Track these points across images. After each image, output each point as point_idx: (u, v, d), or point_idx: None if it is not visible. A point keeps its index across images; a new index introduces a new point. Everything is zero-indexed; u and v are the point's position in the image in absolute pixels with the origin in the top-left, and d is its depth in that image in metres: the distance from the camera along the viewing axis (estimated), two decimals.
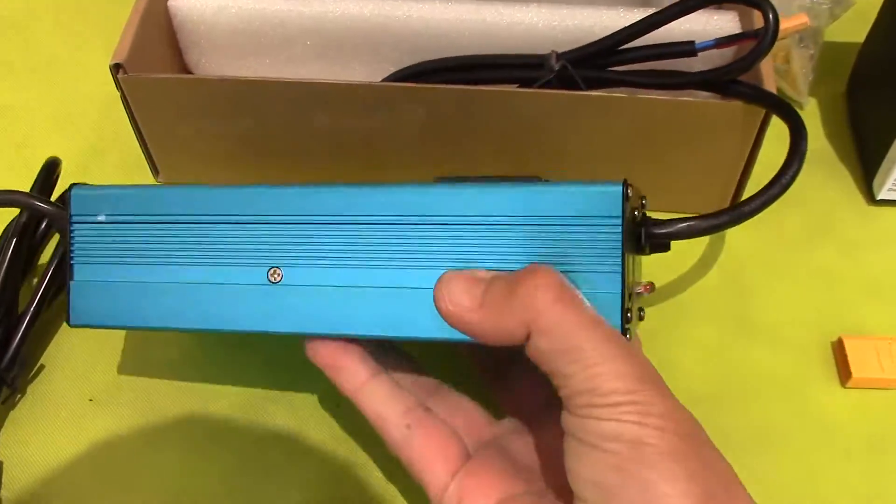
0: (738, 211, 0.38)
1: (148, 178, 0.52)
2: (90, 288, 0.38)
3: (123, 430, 0.43)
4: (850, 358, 0.44)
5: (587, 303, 0.30)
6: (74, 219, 0.38)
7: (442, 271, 0.33)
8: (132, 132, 0.49)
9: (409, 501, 0.40)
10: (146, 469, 0.42)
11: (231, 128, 0.48)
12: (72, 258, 0.38)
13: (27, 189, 0.46)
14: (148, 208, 0.37)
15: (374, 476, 0.41)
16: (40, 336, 0.46)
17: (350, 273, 0.34)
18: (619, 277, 0.32)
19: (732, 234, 0.50)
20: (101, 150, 0.55)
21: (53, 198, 0.48)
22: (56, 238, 0.48)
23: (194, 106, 0.47)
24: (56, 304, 0.46)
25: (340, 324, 0.35)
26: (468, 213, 0.33)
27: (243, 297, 0.36)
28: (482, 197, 0.33)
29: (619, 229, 0.32)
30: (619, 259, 0.32)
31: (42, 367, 0.45)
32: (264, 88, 0.45)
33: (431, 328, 0.33)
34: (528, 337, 0.30)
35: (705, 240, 0.50)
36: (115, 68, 0.45)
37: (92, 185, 0.39)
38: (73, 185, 0.38)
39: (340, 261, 0.35)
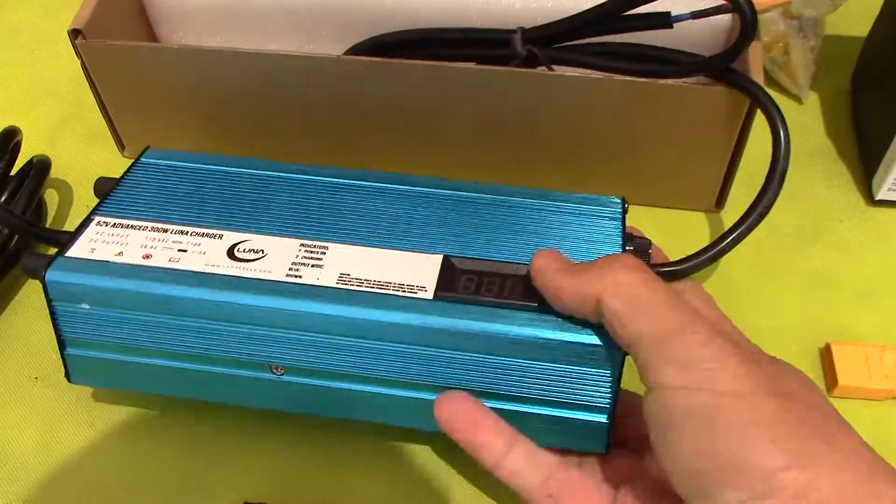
0: (709, 255, 0.39)
1: (113, 150, 0.50)
2: (86, 360, 0.37)
3: (68, 410, 0.41)
4: (836, 365, 0.41)
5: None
6: (55, 304, 0.36)
7: (438, 385, 0.35)
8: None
9: (359, 480, 0.39)
10: (90, 449, 0.40)
11: (196, 101, 0.46)
12: (59, 332, 0.37)
13: None
14: (134, 304, 0.35)
15: (325, 458, 0.39)
16: None
17: (351, 378, 0.35)
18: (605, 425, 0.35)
19: (717, 232, 0.47)
20: (68, 122, 0.53)
21: (14, 170, 0.47)
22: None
23: (156, 76, 0.45)
24: (4, 282, 0.45)
25: (349, 412, 0.36)
26: (465, 350, 0.34)
27: (247, 384, 0.36)
28: (479, 333, 0.34)
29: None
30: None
31: None
32: (225, 59, 0.43)
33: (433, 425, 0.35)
34: (598, 305, 0.31)
35: (693, 239, 0.47)
36: (74, 34, 0.43)
37: (68, 262, 0.35)
38: (46, 269, 0.35)
39: (340, 369, 0.35)
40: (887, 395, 0.41)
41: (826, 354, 0.42)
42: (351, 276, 0.35)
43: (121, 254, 0.36)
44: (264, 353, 0.35)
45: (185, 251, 0.36)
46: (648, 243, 0.38)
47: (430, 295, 0.34)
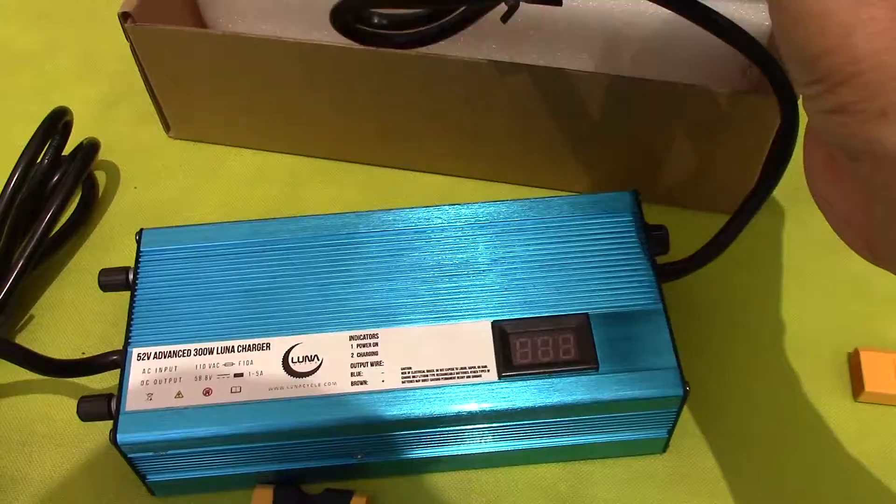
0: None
1: (160, 131, 0.52)
2: (169, 483, 0.38)
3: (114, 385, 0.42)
4: (864, 371, 0.41)
5: None
6: (132, 456, 0.36)
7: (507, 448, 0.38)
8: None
9: None
10: None
11: (239, 86, 0.47)
12: (139, 471, 0.37)
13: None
14: (211, 443, 0.35)
15: None
16: (33, 287, 0.46)
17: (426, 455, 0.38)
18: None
19: (752, 233, 0.47)
20: (118, 101, 0.54)
21: (67, 150, 0.48)
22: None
23: (201, 61, 0.46)
24: (53, 259, 0.47)
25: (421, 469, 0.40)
26: (535, 419, 0.36)
27: (326, 469, 0.38)
28: (548, 407, 0.35)
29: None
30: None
31: (31, 317, 0.45)
32: (267, 47, 0.44)
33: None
34: None
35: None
36: (123, 17, 0.45)
37: (134, 420, 0.35)
38: (114, 431, 0.35)
39: (416, 453, 0.38)
40: None
41: (854, 360, 0.42)
42: (413, 370, 0.36)
43: (180, 394, 0.35)
44: (343, 452, 0.37)
45: (242, 375, 0.36)
46: (666, 232, 0.39)
47: (494, 376, 0.36)
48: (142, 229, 0.40)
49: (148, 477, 0.38)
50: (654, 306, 0.37)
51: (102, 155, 0.51)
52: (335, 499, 0.38)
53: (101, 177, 0.51)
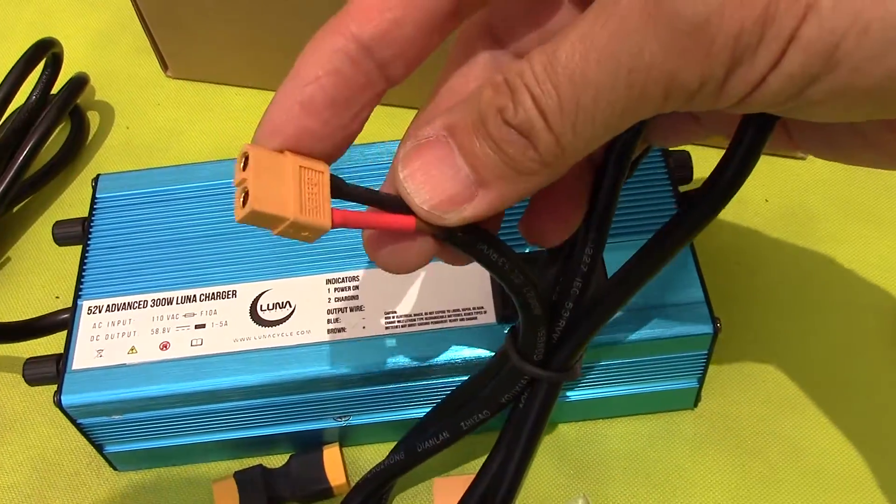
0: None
1: (157, 67, 0.48)
2: (129, 453, 0.34)
3: None
4: None
5: None
6: (80, 421, 0.32)
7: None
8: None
9: None
10: None
11: (236, 14, 0.43)
12: (92, 440, 0.33)
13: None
14: (168, 403, 0.31)
15: None
16: (9, 230, 0.43)
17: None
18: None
19: (804, 168, 0.42)
20: (113, 37, 0.51)
21: (56, 87, 0.45)
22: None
23: None
24: (33, 200, 0.44)
25: None
26: None
27: (306, 435, 0.34)
28: None
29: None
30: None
31: (7, 259, 0.42)
32: None
33: None
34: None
35: (771, 180, 0.42)
36: None
37: (80, 379, 0.31)
38: (58, 392, 0.31)
39: (408, 407, 0.33)
40: None
41: None
42: (398, 314, 0.31)
43: (134, 350, 0.32)
44: (324, 413, 0.33)
45: (204, 326, 0.32)
46: (688, 156, 0.35)
47: (492, 318, 0.31)
48: (98, 175, 0.37)
49: (105, 448, 0.34)
50: None
51: (98, 92, 0.48)
52: (307, 461, 0.33)
53: (93, 116, 0.47)
